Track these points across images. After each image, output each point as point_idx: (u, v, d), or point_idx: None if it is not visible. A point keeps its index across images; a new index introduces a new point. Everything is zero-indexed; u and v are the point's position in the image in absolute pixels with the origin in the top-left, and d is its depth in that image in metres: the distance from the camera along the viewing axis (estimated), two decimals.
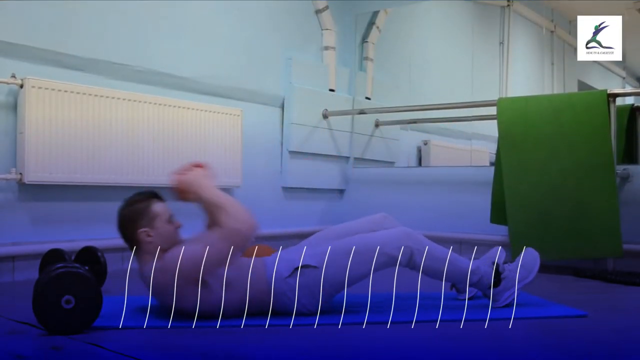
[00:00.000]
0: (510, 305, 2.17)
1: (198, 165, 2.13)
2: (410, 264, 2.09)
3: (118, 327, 1.85)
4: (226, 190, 3.62)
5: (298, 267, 2.04)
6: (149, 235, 1.99)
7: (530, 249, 2.30)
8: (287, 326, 1.93)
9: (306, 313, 2.03)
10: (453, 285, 2.39)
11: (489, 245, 2.66)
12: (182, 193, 2.07)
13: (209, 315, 1.96)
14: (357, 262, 2.04)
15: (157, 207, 2.03)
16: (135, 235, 2.00)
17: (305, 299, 2.03)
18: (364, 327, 1.95)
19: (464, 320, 2.01)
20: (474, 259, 2.22)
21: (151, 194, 2.06)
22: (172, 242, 2.00)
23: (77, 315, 1.77)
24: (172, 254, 1.93)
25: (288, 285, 2.02)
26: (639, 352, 1.78)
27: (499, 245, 2.34)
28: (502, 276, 2.19)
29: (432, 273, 2.14)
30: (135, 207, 2.02)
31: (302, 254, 2.08)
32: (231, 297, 1.99)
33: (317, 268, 2.03)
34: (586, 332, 1.96)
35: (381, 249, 2.05)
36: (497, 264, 2.20)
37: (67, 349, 1.65)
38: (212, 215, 2.06)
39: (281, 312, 2.03)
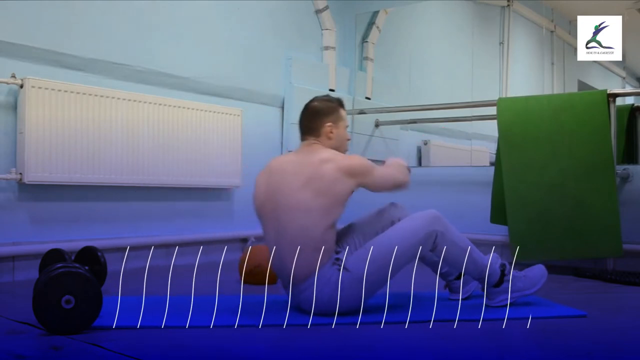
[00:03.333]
0: (503, 307, 2.18)
1: None
2: (433, 247, 2.12)
3: (118, 327, 1.85)
4: (226, 190, 3.63)
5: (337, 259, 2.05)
6: (331, 132, 2.17)
7: (541, 266, 2.31)
8: (296, 326, 1.93)
9: (342, 313, 2.03)
10: (447, 286, 2.40)
11: (489, 245, 2.66)
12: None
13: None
14: (389, 263, 2.04)
15: (344, 113, 2.24)
16: (321, 126, 2.17)
17: (340, 302, 2.03)
18: (357, 327, 1.94)
19: (463, 321, 2.01)
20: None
21: (340, 101, 2.25)
22: (343, 148, 2.21)
23: (77, 315, 1.77)
24: (358, 157, 2.17)
25: (330, 274, 2.04)
26: (638, 352, 1.78)
27: (499, 245, 2.34)
28: (505, 278, 2.20)
29: (451, 259, 2.16)
30: (329, 104, 2.21)
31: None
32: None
33: (350, 272, 2.04)
34: (586, 332, 1.96)
35: (410, 241, 2.08)
36: (504, 265, 2.22)
37: (67, 349, 1.65)
38: None
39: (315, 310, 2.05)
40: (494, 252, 2.28)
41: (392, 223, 2.24)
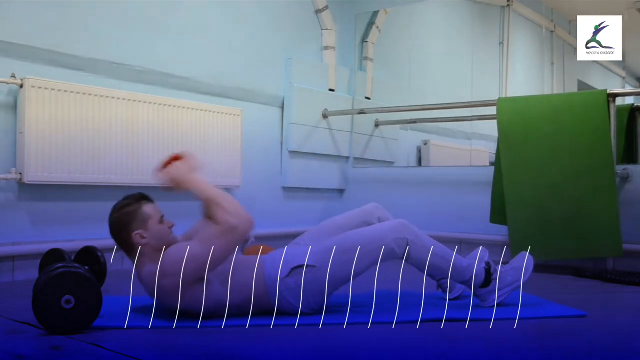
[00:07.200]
0: (499, 306, 2.17)
1: (177, 158, 2.10)
2: (406, 256, 2.09)
3: (118, 327, 1.85)
4: (226, 190, 3.63)
5: (296, 267, 2.03)
6: (142, 237, 1.98)
7: (525, 253, 2.28)
8: (292, 326, 1.93)
9: (307, 313, 2.03)
10: (439, 285, 2.38)
11: (489, 245, 2.66)
12: (171, 188, 2.08)
13: (210, 314, 1.96)
14: (354, 259, 2.02)
15: (148, 208, 2.02)
16: (129, 239, 1.99)
17: (305, 299, 2.02)
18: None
19: (464, 320, 2.01)
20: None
21: (140, 197, 2.05)
22: (167, 242, 2.01)
23: (77, 315, 1.77)
24: (169, 256, 1.92)
25: (285, 286, 2.02)
26: (638, 352, 1.78)
27: (499, 245, 2.33)
28: (492, 277, 2.19)
29: (425, 266, 2.12)
30: (126, 211, 2.00)
31: (301, 253, 2.08)
32: (231, 296, 1.99)
33: (315, 267, 2.03)
34: (586, 332, 1.96)
35: (378, 243, 2.05)
36: (488, 263, 2.20)
37: (67, 349, 1.65)
38: (206, 207, 2.06)
39: (281, 312, 2.03)
40: (481, 250, 2.26)
41: (379, 220, 2.24)
